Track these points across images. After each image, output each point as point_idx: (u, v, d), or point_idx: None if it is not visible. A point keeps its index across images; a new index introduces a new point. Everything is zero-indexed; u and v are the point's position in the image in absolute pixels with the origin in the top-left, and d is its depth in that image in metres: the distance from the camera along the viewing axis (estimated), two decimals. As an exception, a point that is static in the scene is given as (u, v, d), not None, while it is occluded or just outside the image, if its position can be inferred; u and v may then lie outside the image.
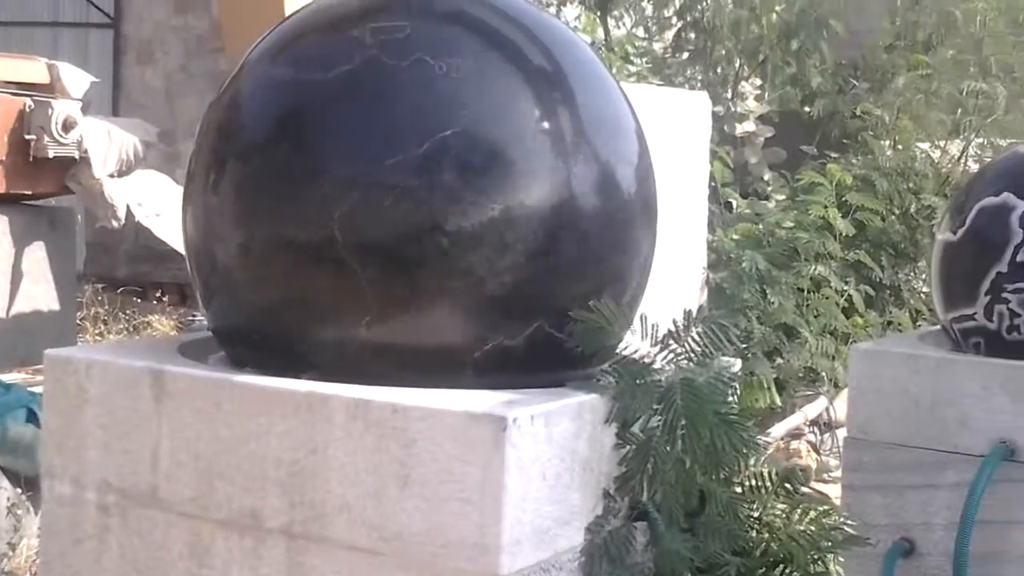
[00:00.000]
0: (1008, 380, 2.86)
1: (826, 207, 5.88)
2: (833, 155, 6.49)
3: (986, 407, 2.89)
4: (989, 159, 4.82)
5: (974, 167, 5.97)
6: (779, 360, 5.61)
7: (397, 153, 2.00)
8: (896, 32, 7.33)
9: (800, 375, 5.64)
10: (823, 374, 5.63)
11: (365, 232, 1.99)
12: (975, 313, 2.96)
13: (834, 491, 3.28)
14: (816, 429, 5.45)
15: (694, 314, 2.14)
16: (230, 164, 2.13)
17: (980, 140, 6.65)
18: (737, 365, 2.32)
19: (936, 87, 6.75)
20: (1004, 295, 2.92)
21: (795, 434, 5.38)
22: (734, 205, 6.44)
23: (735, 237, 5.97)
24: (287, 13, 2.43)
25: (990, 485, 2.83)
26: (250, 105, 2.18)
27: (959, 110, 6.71)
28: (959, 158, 6.69)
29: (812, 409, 5.46)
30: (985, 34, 6.84)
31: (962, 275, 3.00)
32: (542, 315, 2.07)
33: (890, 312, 6.05)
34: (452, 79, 2.05)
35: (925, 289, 5.80)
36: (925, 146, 6.74)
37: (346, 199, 1.99)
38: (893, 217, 6.23)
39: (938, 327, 3.26)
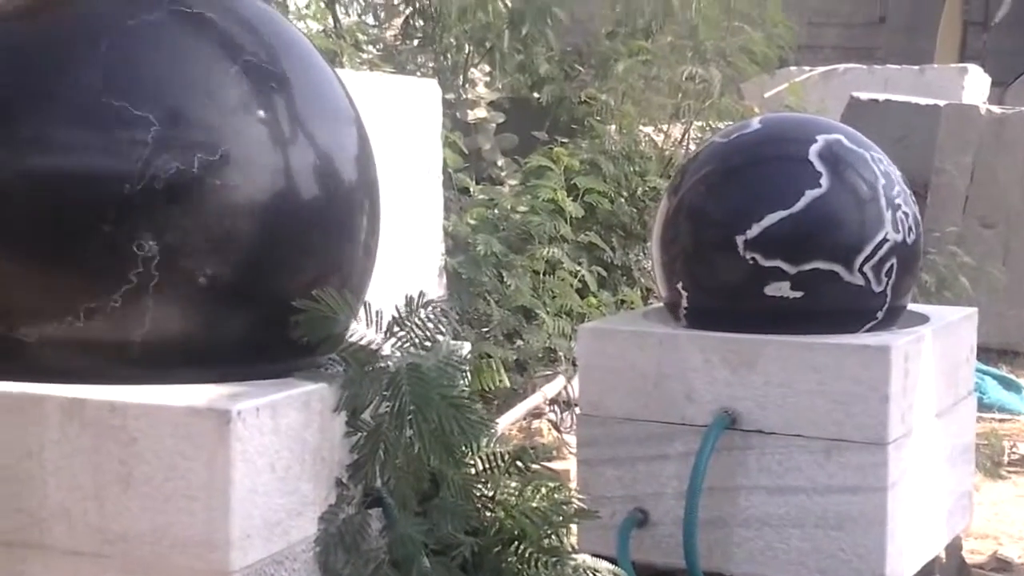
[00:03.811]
0: (727, 352, 2.97)
1: (555, 191, 6.00)
2: (563, 140, 6.62)
3: (708, 379, 2.99)
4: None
5: (694, 148, 6.18)
6: (519, 342, 5.69)
7: (111, 142, 1.95)
8: (616, 19, 7.53)
9: (539, 356, 5.73)
10: (561, 354, 5.74)
11: (75, 223, 1.93)
12: (887, 233, 3.03)
13: (575, 467, 3.35)
14: (556, 407, 5.55)
15: (417, 299, 2.15)
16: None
17: (699, 123, 6.90)
18: (466, 348, 2.34)
19: (656, 72, 6.96)
20: (896, 202, 3.06)
21: (536, 413, 5.47)
22: (470, 191, 6.50)
23: (471, 222, 6.02)
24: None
25: (715, 453, 2.94)
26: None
27: (679, 94, 6.94)
28: (680, 141, 6.93)
29: (551, 388, 5.56)
30: (700, 20, 7.08)
31: (859, 215, 3.07)
32: (265, 306, 2.05)
33: (622, 291, 6.22)
34: (163, 63, 2.01)
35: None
36: (648, 130, 6.95)
37: (53, 192, 1.93)
38: (621, 199, 6.39)
39: (661, 305, 3.36)
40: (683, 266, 3.15)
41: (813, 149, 3.08)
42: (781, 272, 3.00)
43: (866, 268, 3.01)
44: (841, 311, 3.03)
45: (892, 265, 3.04)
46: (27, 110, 1.99)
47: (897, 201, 3.08)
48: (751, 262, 3.00)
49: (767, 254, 2.99)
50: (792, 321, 2.99)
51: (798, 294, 3.00)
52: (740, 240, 3.01)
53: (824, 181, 3.03)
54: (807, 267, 2.99)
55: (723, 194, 3.15)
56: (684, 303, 3.12)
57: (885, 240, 3.04)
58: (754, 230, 3.00)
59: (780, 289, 3.00)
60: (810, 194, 3.02)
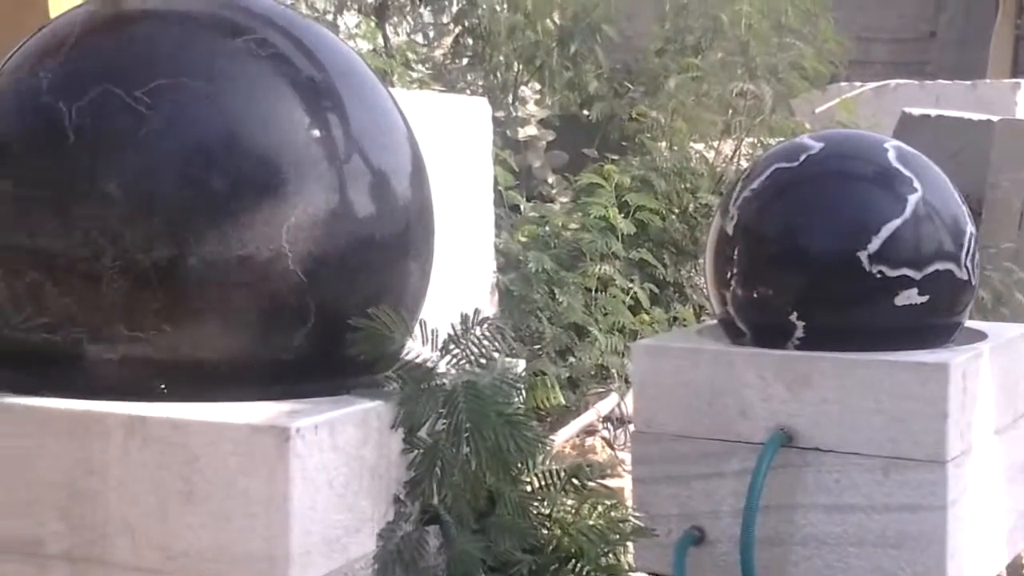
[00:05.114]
0: (781, 369, 2.95)
1: (607, 208, 6.00)
2: (613, 157, 6.62)
3: (763, 396, 2.98)
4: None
5: (745, 165, 6.16)
6: (571, 359, 5.70)
7: (171, 165, 1.97)
8: (666, 36, 7.52)
9: (592, 373, 5.73)
10: (614, 371, 5.73)
11: (139, 246, 1.95)
12: (969, 225, 3.13)
13: (630, 485, 3.34)
14: (609, 425, 5.55)
15: (472, 317, 2.16)
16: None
17: (751, 139, 6.88)
18: (521, 365, 2.34)
19: (707, 89, 6.95)
20: (960, 197, 3.18)
21: (590, 431, 5.47)
22: (521, 208, 6.52)
23: (522, 239, 6.04)
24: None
25: (771, 471, 2.92)
26: (7, 116, 2.10)
27: (730, 111, 6.93)
28: (732, 157, 6.91)
29: (604, 405, 5.56)
30: (750, 37, 7.07)
31: (952, 212, 3.13)
32: (323, 324, 2.06)
33: (675, 308, 6.21)
34: (223, 90, 2.03)
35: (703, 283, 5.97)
36: (699, 146, 6.94)
37: (118, 213, 1.95)
38: (673, 216, 6.39)
39: (714, 322, 3.35)
40: (797, 296, 3.05)
41: (892, 156, 3.10)
42: (909, 280, 2.99)
43: (967, 262, 3.06)
44: (952, 309, 3.10)
45: (976, 256, 3.12)
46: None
47: (960, 196, 3.16)
48: (879, 276, 2.98)
49: (893, 264, 2.98)
50: (917, 332, 3.02)
51: (924, 299, 3.00)
52: (863, 256, 2.97)
53: (917, 184, 3.05)
54: (930, 270, 3.00)
55: (826, 216, 3.08)
56: (799, 332, 3.03)
57: (971, 232, 3.11)
58: (875, 243, 2.98)
59: (909, 297, 2.99)
60: (912, 199, 3.03)
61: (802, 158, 3.17)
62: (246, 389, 2.00)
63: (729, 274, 3.13)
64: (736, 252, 3.12)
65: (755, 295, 3.10)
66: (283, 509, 1.84)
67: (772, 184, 3.17)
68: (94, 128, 1.99)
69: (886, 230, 2.99)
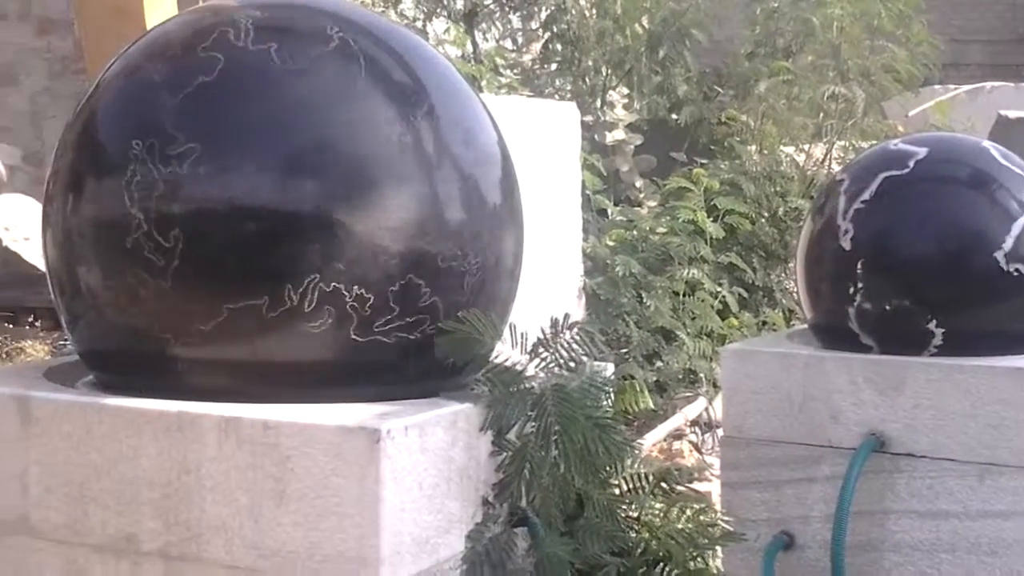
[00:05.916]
0: (874, 374, 2.93)
1: (695, 211, 5.98)
2: (702, 161, 6.60)
3: (855, 401, 2.95)
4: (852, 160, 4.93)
5: (837, 169, 6.11)
6: (659, 363, 5.69)
7: (262, 169, 2.00)
8: (756, 40, 7.48)
9: (680, 377, 5.71)
10: (702, 375, 5.71)
11: (230, 249, 1.99)
12: None
13: (717, 489, 3.33)
14: (697, 429, 5.54)
15: (562, 321, 2.16)
16: (88, 184, 2.10)
17: (842, 143, 6.81)
18: (609, 369, 2.35)
19: (797, 92, 6.90)
20: None
21: (677, 435, 5.47)
22: (609, 212, 6.53)
23: (610, 243, 6.04)
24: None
25: (862, 476, 2.89)
26: (106, 123, 2.15)
27: (821, 114, 6.86)
28: (823, 161, 6.85)
29: (692, 410, 5.55)
30: (842, 40, 7.00)
31: None
32: (413, 327, 2.07)
33: (764, 312, 6.17)
34: (313, 93, 2.06)
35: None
36: (790, 150, 6.88)
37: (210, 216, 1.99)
38: (762, 220, 6.35)
39: (805, 326, 3.32)
40: (935, 303, 2.98)
41: (996, 155, 3.07)
42: None
43: None
44: None
45: None
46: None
47: None
48: (1015, 274, 2.95)
49: None
50: None
51: None
52: (1000, 256, 2.94)
53: None
54: None
55: (955, 220, 3.03)
56: (937, 340, 2.97)
57: None
58: (1008, 242, 2.95)
59: None
60: None
61: (911, 164, 3.11)
62: (337, 390, 2.03)
63: (852, 289, 3.03)
64: (860, 266, 3.04)
65: (887, 307, 3.03)
66: (374, 510, 1.86)
67: (886, 194, 3.08)
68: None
69: (1016, 227, 2.96)
